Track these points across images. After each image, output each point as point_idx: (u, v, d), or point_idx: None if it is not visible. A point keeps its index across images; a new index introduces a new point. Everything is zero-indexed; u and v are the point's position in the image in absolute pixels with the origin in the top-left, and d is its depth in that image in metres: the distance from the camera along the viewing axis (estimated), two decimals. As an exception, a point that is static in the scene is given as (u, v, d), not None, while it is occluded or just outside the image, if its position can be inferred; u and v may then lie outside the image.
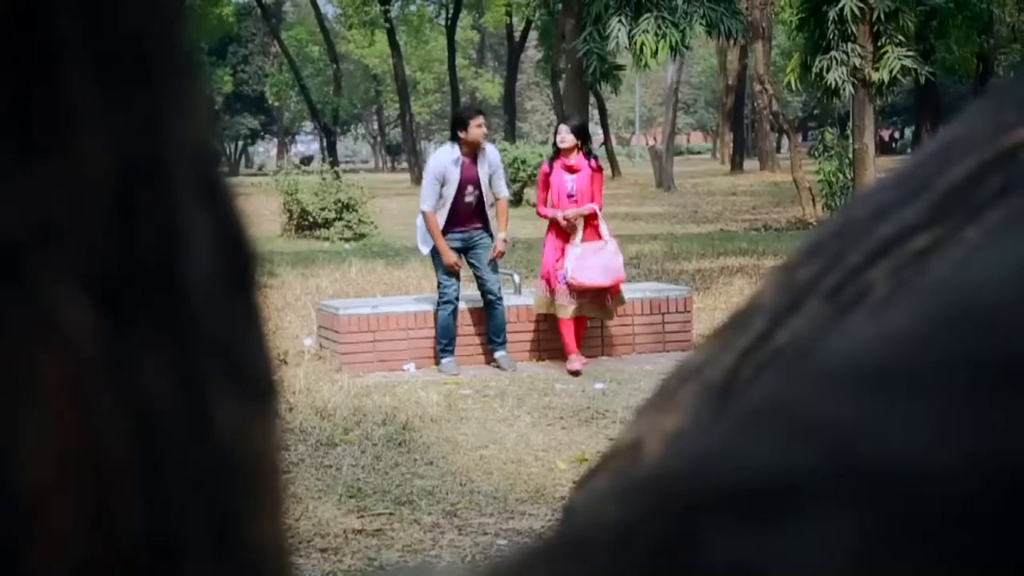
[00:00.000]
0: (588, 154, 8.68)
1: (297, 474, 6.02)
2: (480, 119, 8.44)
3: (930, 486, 0.23)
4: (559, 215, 8.48)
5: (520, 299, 9.24)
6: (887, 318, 0.28)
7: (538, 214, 8.88)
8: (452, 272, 8.52)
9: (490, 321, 8.70)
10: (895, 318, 0.27)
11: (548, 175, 8.63)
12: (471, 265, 8.60)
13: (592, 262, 8.43)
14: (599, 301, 8.62)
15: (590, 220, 8.53)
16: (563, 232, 8.54)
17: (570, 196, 8.49)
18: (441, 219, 8.47)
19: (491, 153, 8.66)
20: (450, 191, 8.37)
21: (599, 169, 8.64)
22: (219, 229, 0.31)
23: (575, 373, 8.40)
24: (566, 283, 8.46)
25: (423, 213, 8.50)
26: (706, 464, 0.27)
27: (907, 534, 0.23)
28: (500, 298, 8.67)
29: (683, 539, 0.25)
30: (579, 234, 8.48)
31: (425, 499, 5.65)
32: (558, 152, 8.60)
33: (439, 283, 8.66)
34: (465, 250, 8.58)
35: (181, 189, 0.29)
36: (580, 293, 8.52)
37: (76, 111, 0.27)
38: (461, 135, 8.37)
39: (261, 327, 0.33)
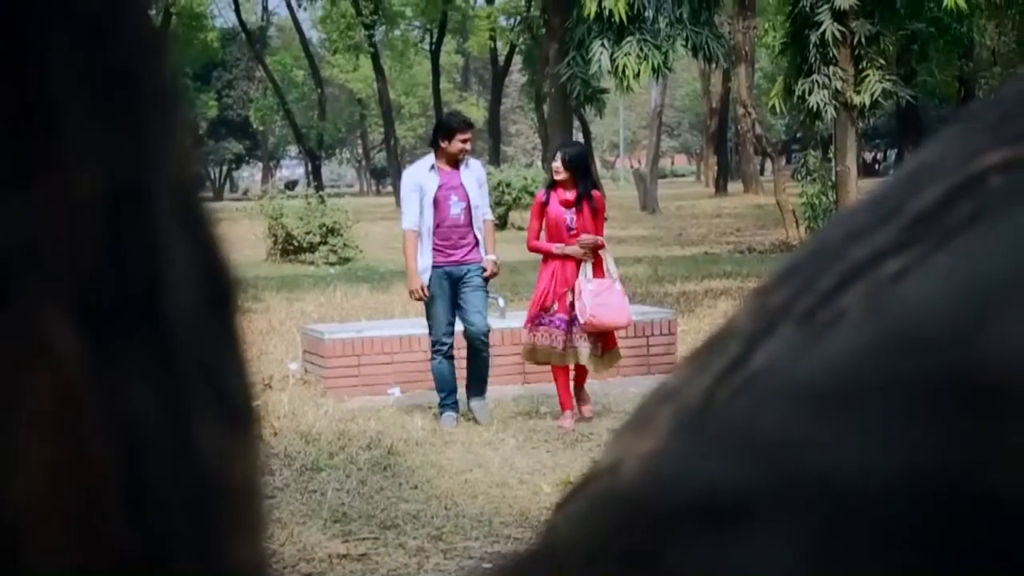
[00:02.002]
0: (584, 190, 7.72)
1: (282, 499, 6.00)
2: (468, 135, 7.78)
3: (866, 499, 0.25)
4: (570, 250, 7.62)
5: (505, 322, 9.23)
6: (841, 342, 0.29)
7: (529, 248, 7.97)
8: (438, 313, 7.79)
9: (472, 367, 7.90)
10: (848, 342, 0.29)
11: (544, 205, 7.76)
12: (457, 306, 7.83)
13: (605, 300, 7.59)
14: (597, 348, 7.75)
15: (597, 258, 7.72)
16: (564, 270, 7.67)
17: (570, 230, 7.66)
18: (427, 244, 7.74)
19: (477, 166, 8.01)
20: (428, 200, 7.68)
21: (592, 208, 7.71)
22: (201, 256, 0.32)
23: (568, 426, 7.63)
24: (580, 324, 7.59)
25: (404, 233, 7.85)
26: (673, 481, 0.29)
27: (847, 543, 0.25)
28: (486, 344, 7.91)
29: (649, 549, 0.28)
30: (589, 268, 7.66)
31: (410, 523, 5.63)
32: (555, 183, 7.78)
33: (428, 328, 7.96)
34: (453, 284, 7.80)
35: (165, 217, 0.30)
36: (590, 336, 7.66)
37: (65, 141, 0.28)
38: (443, 145, 7.72)
39: (243, 352, 0.33)
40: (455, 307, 7.83)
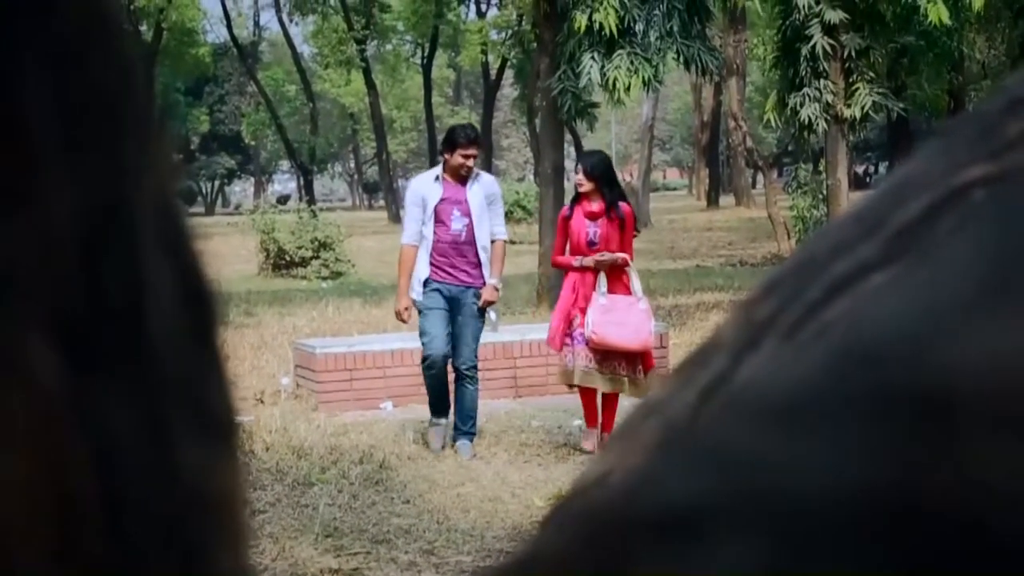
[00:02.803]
0: (611, 203, 7.42)
1: (274, 514, 5.98)
2: (472, 150, 7.39)
3: (819, 514, 0.26)
4: (587, 261, 7.40)
5: (497, 336, 9.23)
6: (815, 356, 0.29)
7: (553, 263, 7.92)
8: (430, 329, 7.42)
9: (458, 402, 7.51)
10: (820, 357, 0.29)
11: (567, 219, 7.55)
12: (451, 332, 7.50)
13: (619, 318, 7.25)
14: (627, 369, 7.36)
15: (618, 273, 7.48)
16: (584, 284, 7.44)
17: (591, 244, 7.41)
18: (426, 257, 7.41)
19: (489, 182, 7.61)
20: (429, 212, 7.35)
21: (619, 220, 7.43)
22: (182, 275, 0.32)
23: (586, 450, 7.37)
24: (585, 341, 7.32)
25: (401, 247, 7.57)
26: (642, 495, 0.30)
27: (800, 559, 0.26)
28: (473, 379, 7.52)
29: (617, 562, 0.28)
30: (603, 283, 7.39)
31: (402, 538, 5.62)
32: (579, 195, 7.51)
33: (422, 343, 7.62)
34: (451, 303, 7.46)
35: (145, 238, 0.30)
36: (603, 357, 7.37)
37: (44, 164, 0.28)
38: (446, 156, 7.42)
39: (223, 369, 0.33)
40: (450, 325, 7.50)
